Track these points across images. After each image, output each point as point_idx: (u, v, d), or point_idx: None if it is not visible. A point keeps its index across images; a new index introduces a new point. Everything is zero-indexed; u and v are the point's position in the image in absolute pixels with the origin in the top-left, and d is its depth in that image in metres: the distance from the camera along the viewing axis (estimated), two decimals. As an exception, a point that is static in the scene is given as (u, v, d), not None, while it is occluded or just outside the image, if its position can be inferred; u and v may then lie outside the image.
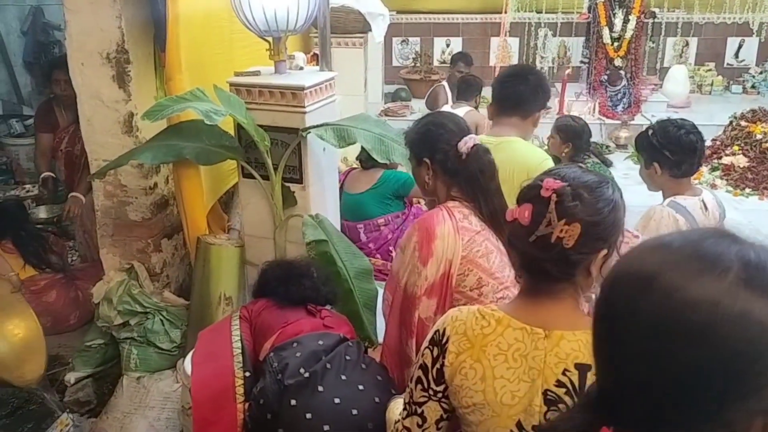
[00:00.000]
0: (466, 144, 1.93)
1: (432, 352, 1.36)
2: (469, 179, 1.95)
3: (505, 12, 7.92)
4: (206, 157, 2.82)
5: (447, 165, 1.97)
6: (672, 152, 2.41)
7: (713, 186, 5.74)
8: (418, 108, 6.78)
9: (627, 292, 0.86)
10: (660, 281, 0.82)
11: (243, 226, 3.16)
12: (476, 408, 1.29)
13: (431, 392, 1.36)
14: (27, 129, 6.02)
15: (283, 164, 2.83)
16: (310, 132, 2.76)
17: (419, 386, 1.38)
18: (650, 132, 2.50)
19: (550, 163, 2.29)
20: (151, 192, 3.20)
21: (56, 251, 3.92)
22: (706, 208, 2.47)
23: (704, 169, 6.04)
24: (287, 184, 2.89)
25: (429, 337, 1.39)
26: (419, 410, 1.38)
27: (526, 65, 2.94)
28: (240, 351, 2.13)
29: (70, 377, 3.09)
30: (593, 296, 2.24)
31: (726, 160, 5.89)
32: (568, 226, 1.24)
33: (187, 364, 2.65)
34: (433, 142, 1.99)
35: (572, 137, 3.52)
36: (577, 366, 1.24)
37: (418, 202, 4.02)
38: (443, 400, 1.36)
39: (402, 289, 1.95)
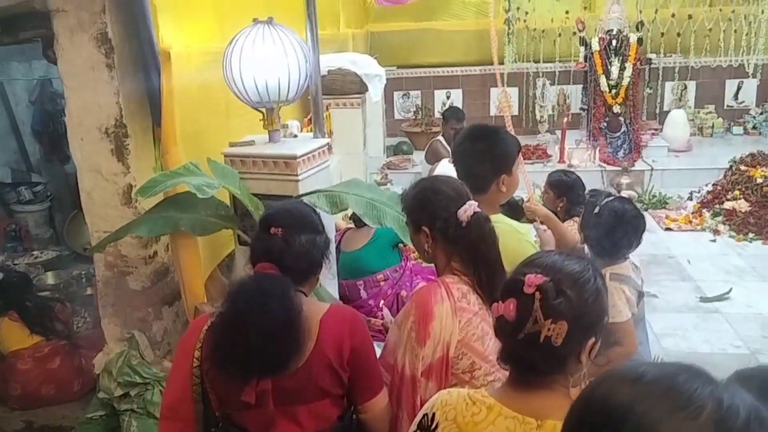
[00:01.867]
0: (466, 212, 1.88)
1: None
2: (470, 248, 1.89)
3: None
4: (202, 228, 2.86)
5: (447, 233, 1.90)
6: (622, 247, 2.50)
7: (716, 231, 5.73)
8: (420, 160, 6.86)
9: (598, 427, 0.85)
10: (633, 418, 0.81)
11: (241, 292, 3.17)
12: None
13: None
14: (36, 196, 6.13)
15: (278, 231, 2.87)
16: (303, 199, 2.81)
17: None
18: (604, 225, 2.51)
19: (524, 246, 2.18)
20: (151, 261, 3.24)
21: (61, 319, 3.96)
22: (636, 266, 2.55)
23: (706, 214, 6.03)
24: (283, 251, 2.92)
25: (417, 420, 1.37)
26: None
27: (472, 130, 2.49)
28: (201, 413, 1.85)
29: (72, 450, 3.08)
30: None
31: (728, 204, 5.88)
32: (555, 324, 1.22)
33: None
34: (432, 210, 1.92)
35: (565, 191, 3.56)
36: None
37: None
38: None
39: (400, 370, 1.87)
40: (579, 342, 1.26)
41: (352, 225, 4.12)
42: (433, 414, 1.34)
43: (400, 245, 3.98)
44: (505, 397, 1.31)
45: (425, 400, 1.80)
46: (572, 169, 7.13)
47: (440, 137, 6.13)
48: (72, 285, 5.14)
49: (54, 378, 3.69)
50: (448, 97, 9.03)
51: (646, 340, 2.60)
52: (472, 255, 1.88)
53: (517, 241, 2.22)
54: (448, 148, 5.88)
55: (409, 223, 2.02)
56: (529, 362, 1.27)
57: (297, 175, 2.85)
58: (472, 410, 1.30)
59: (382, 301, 3.68)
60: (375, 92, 5.34)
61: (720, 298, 4.52)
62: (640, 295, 2.48)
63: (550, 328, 1.21)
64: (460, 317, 1.83)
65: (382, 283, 3.81)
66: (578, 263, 1.31)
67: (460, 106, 8.86)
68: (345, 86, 5.32)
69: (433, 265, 2.03)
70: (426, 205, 1.94)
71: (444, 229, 1.90)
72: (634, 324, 2.50)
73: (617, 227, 2.44)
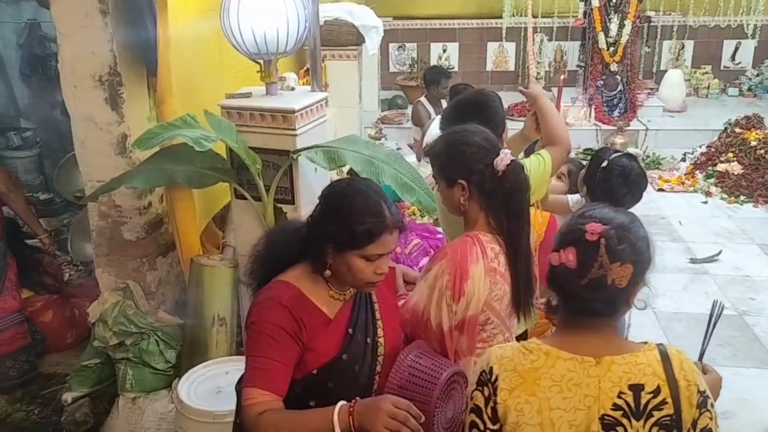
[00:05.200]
0: (502, 161, 1.87)
1: (483, 392, 1.40)
2: (505, 198, 1.89)
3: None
4: (198, 181, 2.84)
5: (485, 186, 1.90)
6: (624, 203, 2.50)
7: (708, 193, 5.76)
8: (414, 115, 6.79)
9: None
10: None
11: (237, 245, 3.18)
12: None
13: None
14: (25, 141, 6.04)
15: (274, 186, 2.85)
16: (300, 154, 2.78)
17: (474, 430, 1.40)
18: (610, 180, 2.54)
19: None
20: (145, 212, 3.23)
21: (51, 272, 3.94)
22: None
23: (699, 175, 6.06)
24: (279, 205, 2.91)
25: (475, 379, 1.42)
26: None
27: (457, 108, 2.58)
28: None
29: (67, 397, 3.12)
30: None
31: (721, 167, 5.91)
32: (621, 267, 1.32)
33: (182, 385, 2.69)
34: (468, 163, 1.90)
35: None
36: (631, 387, 1.32)
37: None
38: None
39: (432, 323, 1.86)
40: (635, 284, 1.35)
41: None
42: (491, 368, 1.39)
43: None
44: (560, 343, 1.39)
45: (455, 349, 1.86)
46: (567, 127, 7.15)
47: (422, 98, 5.98)
48: (63, 233, 5.12)
49: (47, 330, 3.72)
50: (444, 51, 8.90)
51: None
52: (507, 204, 1.89)
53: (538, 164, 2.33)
54: (430, 109, 5.76)
55: (441, 177, 1.99)
56: (590, 306, 1.35)
57: (294, 130, 2.81)
58: (530, 358, 1.38)
59: None
60: (372, 44, 5.24)
61: (709, 259, 4.58)
62: None
63: (617, 271, 1.31)
64: (490, 277, 1.86)
65: (376, 239, 3.81)
66: (626, 215, 1.41)
67: (456, 60, 8.76)
68: (341, 37, 5.21)
69: (439, 223, 2.01)
70: (461, 159, 1.92)
71: (481, 182, 1.89)
72: None
73: (623, 183, 2.49)
